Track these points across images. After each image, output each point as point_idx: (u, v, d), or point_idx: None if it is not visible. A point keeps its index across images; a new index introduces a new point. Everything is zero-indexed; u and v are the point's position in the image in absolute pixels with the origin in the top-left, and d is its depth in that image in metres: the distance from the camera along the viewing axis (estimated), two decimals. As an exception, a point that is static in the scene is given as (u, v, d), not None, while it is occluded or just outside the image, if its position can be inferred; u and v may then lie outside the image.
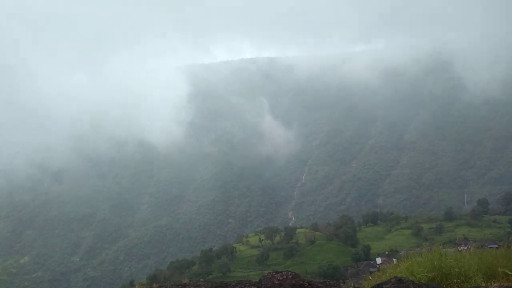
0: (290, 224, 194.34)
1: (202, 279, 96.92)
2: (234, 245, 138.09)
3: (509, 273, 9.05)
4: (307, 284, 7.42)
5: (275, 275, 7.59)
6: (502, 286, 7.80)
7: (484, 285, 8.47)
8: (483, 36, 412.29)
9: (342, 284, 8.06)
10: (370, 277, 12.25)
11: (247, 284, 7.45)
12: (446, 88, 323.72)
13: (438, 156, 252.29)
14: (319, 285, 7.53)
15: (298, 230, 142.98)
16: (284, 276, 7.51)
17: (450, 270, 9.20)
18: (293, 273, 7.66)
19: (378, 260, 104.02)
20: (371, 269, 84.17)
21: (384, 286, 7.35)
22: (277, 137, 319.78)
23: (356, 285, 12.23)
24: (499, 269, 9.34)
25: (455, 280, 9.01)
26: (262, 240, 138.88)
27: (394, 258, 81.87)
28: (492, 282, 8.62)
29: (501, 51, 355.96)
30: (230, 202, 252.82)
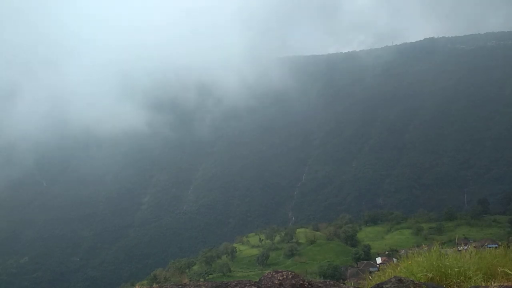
0: (290, 224, 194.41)
1: (202, 279, 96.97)
2: (234, 245, 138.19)
3: (509, 272, 9.06)
4: (307, 284, 7.42)
5: (275, 275, 7.60)
6: (502, 285, 7.80)
7: (484, 284, 8.47)
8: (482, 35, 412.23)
9: (342, 284, 8.06)
10: (370, 277, 12.26)
11: (247, 284, 7.45)
12: (445, 87, 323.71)
13: (438, 156, 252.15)
14: (319, 285, 7.54)
15: (298, 230, 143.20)
16: (284, 276, 7.52)
17: (450, 269, 9.21)
18: (293, 273, 7.67)
19: (378, 260, 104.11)
20: (371, 269, 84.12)
21: (384, 286, 7.36)
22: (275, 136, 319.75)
23: (356, 285, 12.24)
24: (499, 269, 9.35)
25: (454, 280, 9.01)
26: (262, 240, 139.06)
27: (394, 257, 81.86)
28: (492, 282, 8.62)
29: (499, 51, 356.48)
30: (230, 202, 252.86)
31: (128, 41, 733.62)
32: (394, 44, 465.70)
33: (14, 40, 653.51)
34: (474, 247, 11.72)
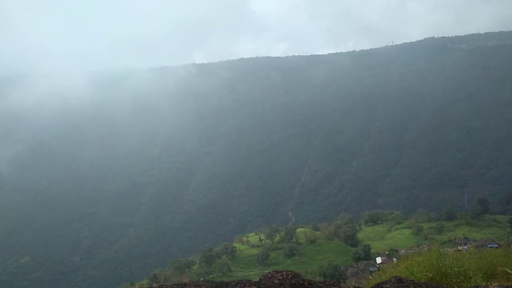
0: (290, 224, 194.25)
1: (202, 279, 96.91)
2: (234, 244, 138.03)
3: (510, 272, 9.06)
4: (307, 283, 7.43)
5: (275, 275, 7.61)
6: (502, 285, 7.80)
7: (484, 284, 8.47)
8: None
9: (342, 284, 8.06)
10: (371, 277, 12.27)
11: (247, 284, 7.46)
12: (445, 87, 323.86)
13: (438, 156, 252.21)
14: (319, 284, 7.54)
15: (298, 230, 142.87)
16: (284, 276, 7.53)
17: (450, 269, 9.21)
18: (293, 273, 7.67)
19: (378, 260, 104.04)
20: (371, 269, 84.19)
21: (384, 286, 7.36)
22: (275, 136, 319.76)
23: (356, 285, 12.23)
24: (499, 269, 9.35)
25: (454, 280, 9.02)
26: (262, 239, 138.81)
27: (394, 257, 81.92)
28: (492, 282, 8.64)
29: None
30: (230, 202, 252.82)
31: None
32: (394, 44, 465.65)
33: None
34: (474, 247, 11.73)
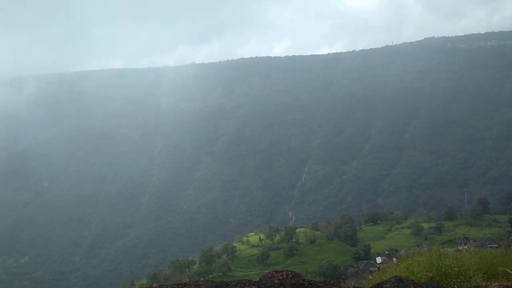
0: (290, 224, 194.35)
1: (202, 279, 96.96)
2: (234, 244, 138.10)
3: (510, 272, 9.06)
4: (307, 283, 7.43)
5: (275, 275, 7.61)
6: (502, 285, 7.80)
7: (484, 284, 8.47)
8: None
9: (342, 284, 8.07)
10: (371, 277, 12.27)
11: (247, 284, 7.45)
12: (445, 87, 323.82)
13: (438, 156, 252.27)
14: (319, 284, 7.54)
15: (298, 230, 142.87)
16: (284, 276, 7.53)
17: (450, 269, 9.22)
18: (293, 273, 7.67)
19: (378, 260, 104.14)
20: (371, 269, 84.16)
21: (384, 286, 7.36)
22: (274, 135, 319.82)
23: (356, 285, 12.23)
24: (499, 268, 9.35)
25: (454, 280, 9.02)
26: (262, 239, 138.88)
27: (394, 257, 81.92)
28: (492, 282, 8.64)
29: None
30: (230, 202, 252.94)
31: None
32: (394, 44, 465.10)
33: None
34: (474, 247, 11.74)
